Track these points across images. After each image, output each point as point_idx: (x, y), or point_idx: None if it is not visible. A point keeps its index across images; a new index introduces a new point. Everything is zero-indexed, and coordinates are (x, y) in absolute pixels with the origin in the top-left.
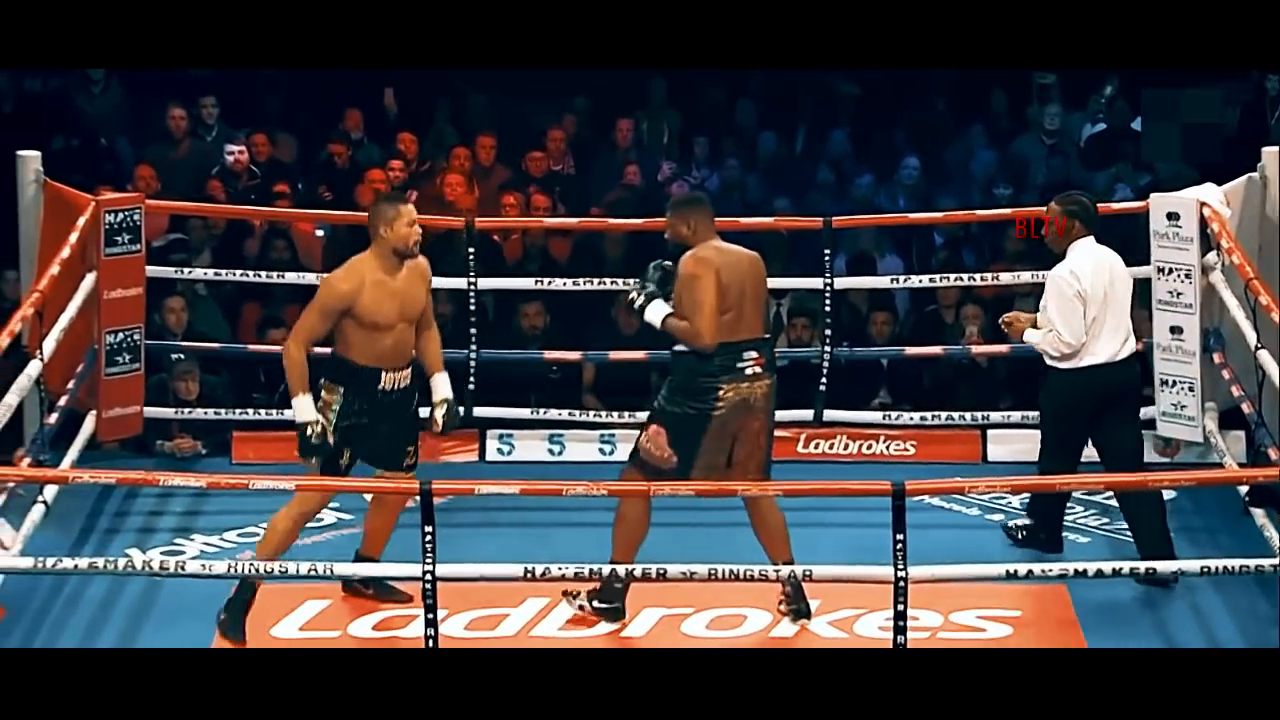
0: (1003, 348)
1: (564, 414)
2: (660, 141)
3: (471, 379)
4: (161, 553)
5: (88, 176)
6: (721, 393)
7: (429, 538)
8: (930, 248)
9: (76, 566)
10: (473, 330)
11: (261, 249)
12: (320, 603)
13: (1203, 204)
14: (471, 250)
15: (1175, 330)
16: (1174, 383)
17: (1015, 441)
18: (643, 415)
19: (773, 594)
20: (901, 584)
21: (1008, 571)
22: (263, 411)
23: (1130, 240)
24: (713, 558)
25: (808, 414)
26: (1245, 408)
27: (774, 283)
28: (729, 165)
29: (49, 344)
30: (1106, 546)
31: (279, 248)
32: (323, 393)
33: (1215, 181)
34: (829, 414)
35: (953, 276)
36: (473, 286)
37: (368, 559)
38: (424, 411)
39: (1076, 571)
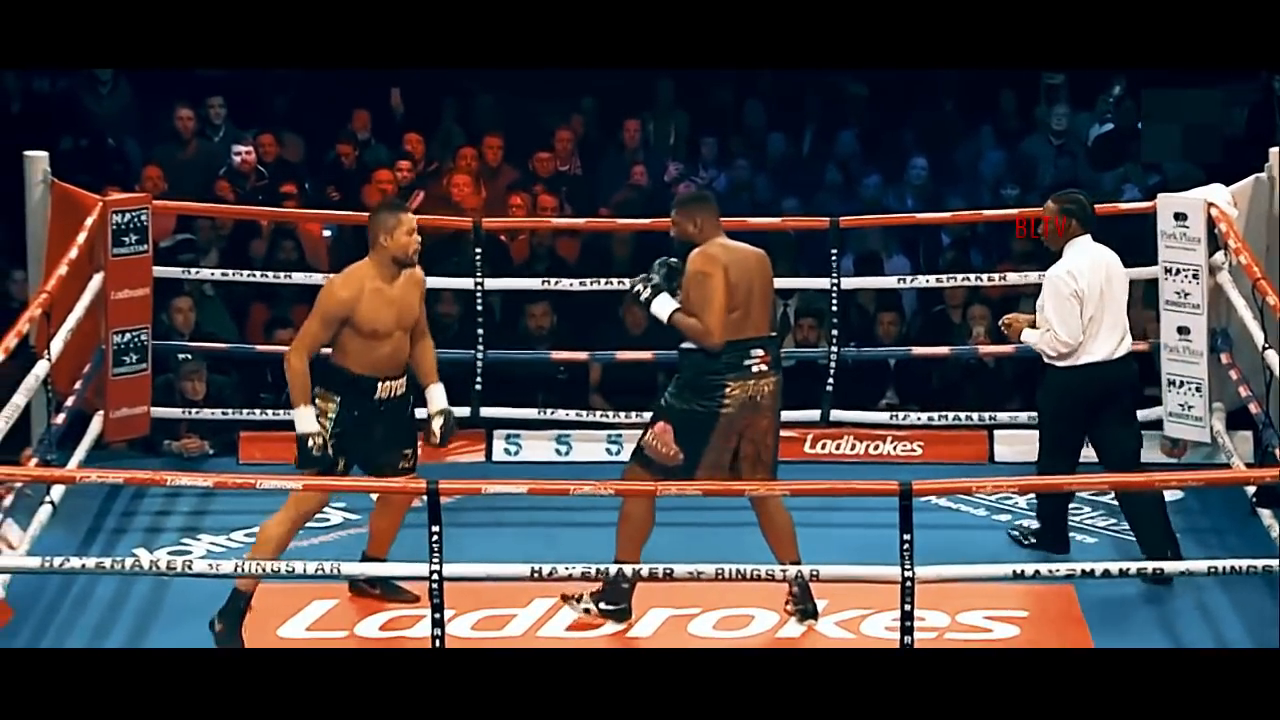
0: (1010, 348)
1: (571, 414)
2: (668, 142)
3: (479, 379)
4: (169, 553)
5: (95, 177)
6: (728, 390)
7: (436, 537)
8: (938, 248)
9: (84, 566)
10: (480, 330)
11: (269, 249)
12: (327, 603)
13: (1210, 204)
14: (479, 250)
15: (1182, 331)
16: (1181, 383)
17: (1022, 442)
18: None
19: (780, 594)
20: (908, 584)
21: (1015, 572)
22: (270, 412)
23: (1137, 240)
24: (720, 558)
25: (815, 414)
26: (1253, 408)
27: (781, 283)
28: (737, 166)
29: (56, 344)
30: (1113, 547)
31: (286, 248)
32: (317, 400)
33: (1223, 182)
34: (836, 414)
35: (960, 277)
36: (480, 287)
37: (374, 559)
38: (420, 412)
39: (1084, 572)
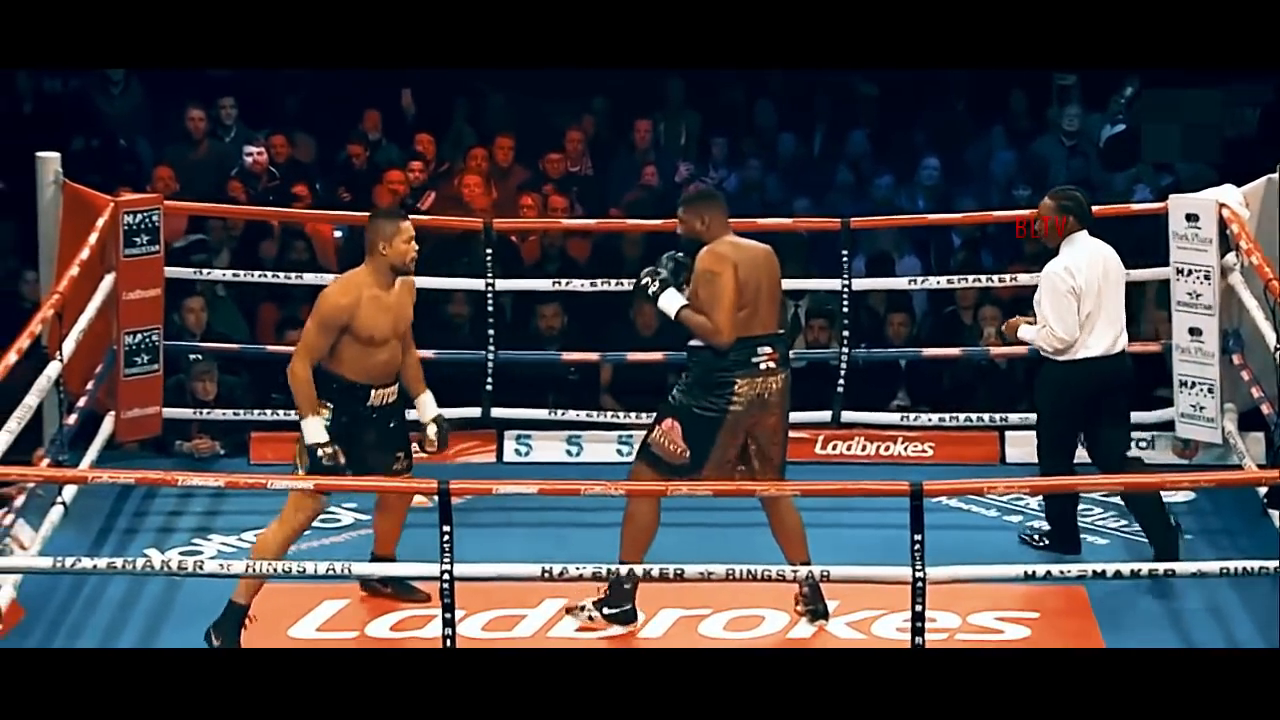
0: (1021, 349)
1: (582, 415)
2: (678, 142)
3: (489, 380)
4: (180, 553)
5: (107, 177)
6: (737, 388)
7: (447, 538)
8: (949, 249)
9: (95, 567)
10: (490, 331)
11: (280, 250)
12: (338, 603)
13: (1222, 205)
14: (489, 251)
15: (1194, 332)
16: (1193, 384)
17: (1033, 443)
18: None
19: (790, 595)
20: (919, 585)
21: (1026, 573)
22: (281, 412)
23: (1149, 241)
24: (730, 558)
25: (826, 415)
26: (1265, 409)
27: (792, 284)
28: (748, 166)
29: (68, 345)
30: (1124, 548)
31: (298, 249)
32: None
33: (1235, 182)
34: (847, 415)
35: (971, 278)
36: (491, 287)
37: (384, 559)
38: (411, 415)
39: (1095, 573)
